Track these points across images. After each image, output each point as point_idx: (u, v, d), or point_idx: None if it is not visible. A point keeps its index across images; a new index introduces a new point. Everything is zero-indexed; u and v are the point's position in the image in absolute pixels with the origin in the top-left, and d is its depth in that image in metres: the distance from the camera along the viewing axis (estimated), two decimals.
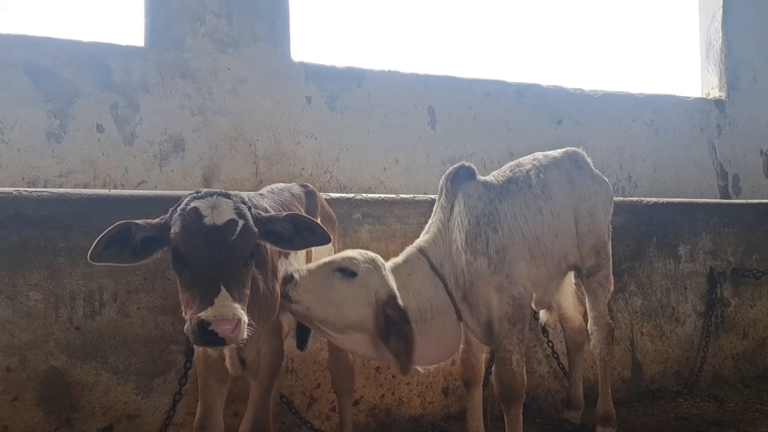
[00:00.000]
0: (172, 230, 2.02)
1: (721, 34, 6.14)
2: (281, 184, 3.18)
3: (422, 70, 4.96)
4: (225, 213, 2.00)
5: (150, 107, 4.07)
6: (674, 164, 5.85)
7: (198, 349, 2.54)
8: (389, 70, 4.84)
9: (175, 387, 3.30)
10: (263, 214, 2.31)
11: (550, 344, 4.24)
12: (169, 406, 3.29)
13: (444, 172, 3.34)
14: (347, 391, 3.36)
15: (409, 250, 3.15)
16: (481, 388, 3.45)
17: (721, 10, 6.14)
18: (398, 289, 2.85)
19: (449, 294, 3.07)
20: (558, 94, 5.42)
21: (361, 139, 4.67)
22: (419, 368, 2.93)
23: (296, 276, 2.72)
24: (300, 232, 2.36)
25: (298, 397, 3.65)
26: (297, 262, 2.85)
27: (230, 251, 1.98)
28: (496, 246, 3.09)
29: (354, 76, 4.68)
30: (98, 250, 2.04)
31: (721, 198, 5.99)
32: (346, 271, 2.79)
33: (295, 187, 3.13)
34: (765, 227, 5.22)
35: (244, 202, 2.20)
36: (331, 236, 2.49)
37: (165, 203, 3.38)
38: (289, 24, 4.48)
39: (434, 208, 3.29)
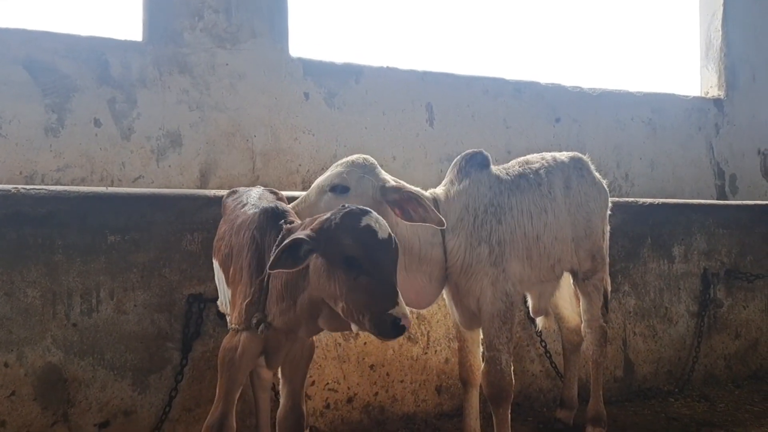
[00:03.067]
0: (344, 241, 2.24)
1: (721, 33, 6.14)
2: (252, 190, 3.08)
3: (421, 66, 4.96)
4: (385, 228, 2.29)
5: (147, 102, 4.07)
6: (671, 163, 5.87)
7: (231, 349, 2.50)
8: (387, 67, 4.84)
9: (170, 383, 3.33)
10: None
11: (543, 343, 4.28)
12: (164, 402, 3.32)
13: (449, 164, 3.34)
14: None
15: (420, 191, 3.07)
16: (479, 388, 3.47)
17: (721, 8, 6.13)
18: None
19: (444, 249, 3.05)
20: (556, 91, 5.42)
21: (359, 136, 4.68)
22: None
23: (296, 208, 2.79)
24: None
25: None
26: None
27: (396, 259, 2.32)
28: (498, 238, 3.12)
29: (352, 72, 4.68)
30: (278, 262, 2.27)
31: (717, 197, 6.01)
32: (337, 188, 2.80)
33: (268, 195, 3.04)
34: (759, 229, 5.24)
35: None
36: None
37: (162, 202, 3.46)
38: (288, 20, 4.47)
39: (444, 181, 3.31)
